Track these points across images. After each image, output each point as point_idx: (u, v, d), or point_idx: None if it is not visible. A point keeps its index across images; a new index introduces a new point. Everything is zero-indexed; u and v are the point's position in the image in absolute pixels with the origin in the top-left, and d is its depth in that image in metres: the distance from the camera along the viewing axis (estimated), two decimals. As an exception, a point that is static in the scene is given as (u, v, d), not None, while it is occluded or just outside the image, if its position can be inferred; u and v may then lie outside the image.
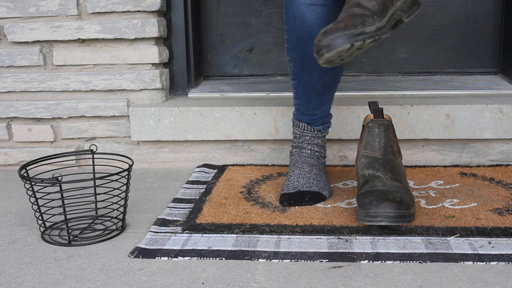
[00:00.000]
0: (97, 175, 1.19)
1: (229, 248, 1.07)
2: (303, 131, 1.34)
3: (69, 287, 0.96)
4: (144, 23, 1.57)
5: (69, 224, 1.18)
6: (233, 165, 1.60)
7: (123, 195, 1.18)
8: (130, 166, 1.17)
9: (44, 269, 1.03)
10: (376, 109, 1.24)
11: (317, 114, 1.33)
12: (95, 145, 1.31)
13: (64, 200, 1.12)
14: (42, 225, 1.17)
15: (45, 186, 1.11)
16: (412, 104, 1.53)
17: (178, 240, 1.12)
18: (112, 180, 1.13)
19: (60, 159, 1.43)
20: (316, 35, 1.06)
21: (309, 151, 1.33)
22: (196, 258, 1.04)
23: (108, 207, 1.18)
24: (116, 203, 1.18)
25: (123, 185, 1.17)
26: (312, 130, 1.34)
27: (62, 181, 1.09)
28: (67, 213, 1.16)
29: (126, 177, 1.17)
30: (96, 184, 1.17)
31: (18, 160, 1.68)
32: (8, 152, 1.68)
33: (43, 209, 1.17)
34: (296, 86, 1.32)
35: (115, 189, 1.16)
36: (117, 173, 1.13)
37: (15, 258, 1.08)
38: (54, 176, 1.08)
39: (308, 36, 1.22)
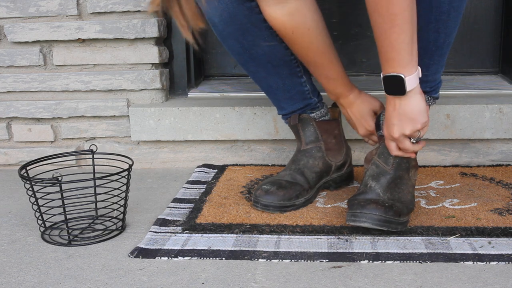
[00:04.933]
0: (97, 175, 1.19)
1: (229, 248, 1.07)
2: None
3: (69, 287, 0.96)
4: (144, 23, 1.57)
5: (69, 224, 1.18)
6: (233, 165, 1.60)
7: (123, 195, 1.18)
8: (130, 166, 1.17)
9: (44, 269, 1.03)
10: None
11: (437, 78, 1.18)
12: (95, 145, 1.31)
13: (64, 200, 1.12)
14: (42, 225, 1.17)
15: (45, 186, 1.11)
16: (412, 104, 1.53)
17: (178, 240, 1.12)
18: (112, 180, 1.13)
19: (60, 159, 1.43)
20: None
21: None
22: (196, 258, 1.04)
23: (108, 207, 1.18)
24: (116, 203, 1.18)
25: (123, 185, 1.17)
26: (429, 99, 1.19)
27: (62, 181, 1.09)
28: (67, 213, 1.16)
29: (126, 177, 1.17)
30: (96, 184, 1.17)
31: (18, 160, 1.68)
32: (8, 152, 1.68)
33: (43, 209, 1.17)
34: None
35: (115, 189, 1.16)
36: (117, 173, 1.13)
37: (15, 258, 1.08)
38: (54, 176, 1.08)
39: None
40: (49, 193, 1.12)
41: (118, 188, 1.16)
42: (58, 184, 1.09)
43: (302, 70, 1.30)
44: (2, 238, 1.18)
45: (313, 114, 1.32)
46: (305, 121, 1.31)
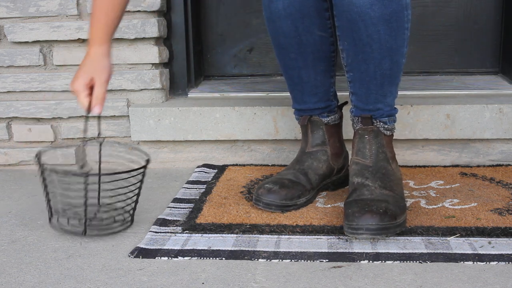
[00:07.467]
0: (112, 171, 1.18)
1: (229, 248, 1.07)
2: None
3: (69, 287, 0.96)
4: (144, 23, 1.57)
5: (79, 213, 1.18)
6: (233, 165, 1.60)
7: (137, 191, 1.19)
8: (147, 163, 1.17)
9: (44, 269, 1.03)
10: (364, 116, 1.21)
11: (380, 108, 1.21)
12: (102, 137, 1.29)
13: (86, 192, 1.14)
14: (53, 212, 1.17)
15: (75, 175, 1.11)
16: (412, 104, 1.53)
17: (178, 240, 1.12)
18: (126, 178, 1.14)
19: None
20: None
21: None
22: (196, 258, 1.04)
23: (118, 202, 1.19)
24: (127, 199, 1.18)
25: (138, 182, 1.17)
26: (380, 126, 1.22)
27: (89, 173, 1.12)
28: (73, 203, 1.17)
29: (142, 174, 1.17)
30: (110, 180, 1.16)
31: (18, 160, 1.68)
32: (8, 152, 1.68)
33: (57, 197, 1.17)
34: (352, 79, 1.21)
35: (131, 184, 1.17)
36: (133, 170, 1.13)
37: (15, 258, 1.08)
38: (83, 168, 1.10)
39: (359, 18, 1.11)
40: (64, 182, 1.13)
41: (133, 184, 1.17)
42: (84, 177, 1.11)
43: (335, 70, 1.32)
44: (2, 238, 1.18)
45: (329, 118, 1.33)
46: (315, 123, 1.32)
